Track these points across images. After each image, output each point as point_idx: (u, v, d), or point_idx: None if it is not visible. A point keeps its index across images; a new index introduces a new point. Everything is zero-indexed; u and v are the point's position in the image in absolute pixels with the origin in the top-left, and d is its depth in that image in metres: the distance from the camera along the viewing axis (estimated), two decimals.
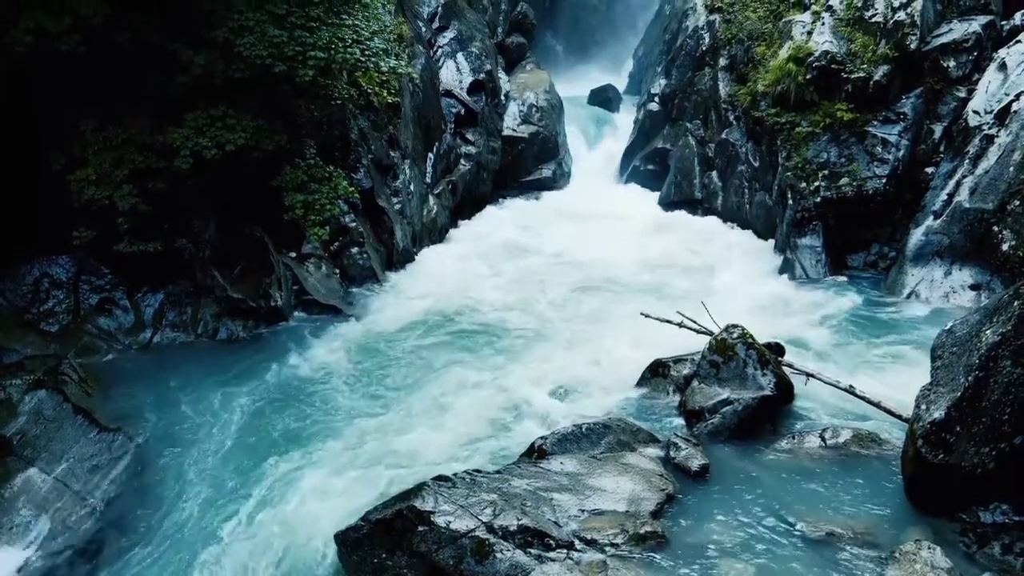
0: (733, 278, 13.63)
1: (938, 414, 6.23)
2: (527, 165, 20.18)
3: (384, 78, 13.27)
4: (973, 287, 11.68)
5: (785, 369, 8.68)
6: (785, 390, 8.27)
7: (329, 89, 11.26)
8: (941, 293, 11.89)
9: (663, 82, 20.71)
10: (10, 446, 8.06)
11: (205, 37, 9.78)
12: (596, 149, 22.76)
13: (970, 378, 6.12)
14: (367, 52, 10.57)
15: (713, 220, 16.97)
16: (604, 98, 25.03)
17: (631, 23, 30.81)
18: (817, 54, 13.61)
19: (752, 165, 16.05)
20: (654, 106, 20.81)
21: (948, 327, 6.93)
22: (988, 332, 6.12)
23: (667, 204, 18.50)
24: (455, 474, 6.68)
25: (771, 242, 14.89)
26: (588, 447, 7.40)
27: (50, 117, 9.86)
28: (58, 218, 9.98)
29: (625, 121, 23.29)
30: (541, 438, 7.42)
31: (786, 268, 13.69)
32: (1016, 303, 6.02)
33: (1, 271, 10.03)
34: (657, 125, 20.51)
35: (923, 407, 6.43)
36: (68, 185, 9.67)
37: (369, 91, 13.42)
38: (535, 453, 7.27)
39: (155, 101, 10.02)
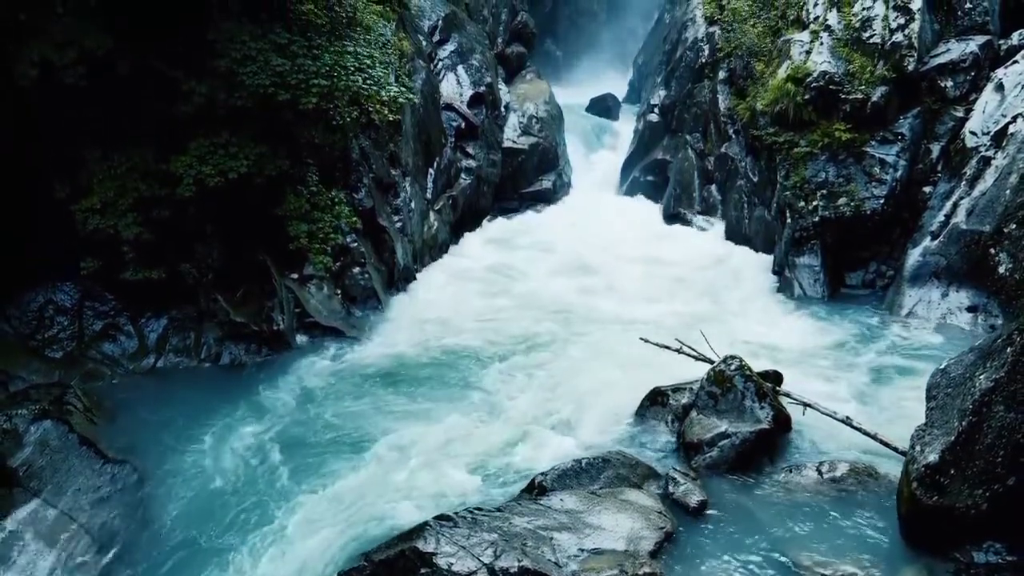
0: (731, 297, 13.71)
1: (932, 457, 6.31)
2: (527, 176, 20.17)
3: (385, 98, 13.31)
4: (970, 309, 11.77)
5: (783, 398, 8.76)
6: (783, 422, 8.35)
7: (331, 112, 11.31)
8: (938, 314, 11.99)
9: (663, 93, 20.81)
10: (16, 477, 8.14)
11: (208, 66, 9.84)
12: (596, 158, 22.88)
13: (964, 422, 6.20)
14: (368, 80, 10.63)
15: (712, 234, 17.02)
16: (604, 107, 25.18)
17: (631, 30, 30.96)
18: (815, 74, 13.67)
19: (751, 180, 16.11)
20: (654, 117, 20.90)
21: (942, 366, 7.03)
22: (982, 377, 6.21)
23: (667, 217, 18.56)
24: (456, 512, 6.75)
25: (770, 258, 14.95)
26: (588, 482, 7.49)
27: (54, 146, 9.91)
28: (62, 245, 10.05)
29: (625, 130, 23.40)
30: (541, 474, 7.50)
31: (784, 286, 13.78)
32: (1009, 349, 6.11)
33: (6, 298, 10.09)
34: (657, 136, 20.60)
35: (918, 448, 6.52)
36: (72, 214, 9.74)
37: (370, 109, 13.46)
38: (535, 489, 7.35)
39: (158, 129, 10.08)
